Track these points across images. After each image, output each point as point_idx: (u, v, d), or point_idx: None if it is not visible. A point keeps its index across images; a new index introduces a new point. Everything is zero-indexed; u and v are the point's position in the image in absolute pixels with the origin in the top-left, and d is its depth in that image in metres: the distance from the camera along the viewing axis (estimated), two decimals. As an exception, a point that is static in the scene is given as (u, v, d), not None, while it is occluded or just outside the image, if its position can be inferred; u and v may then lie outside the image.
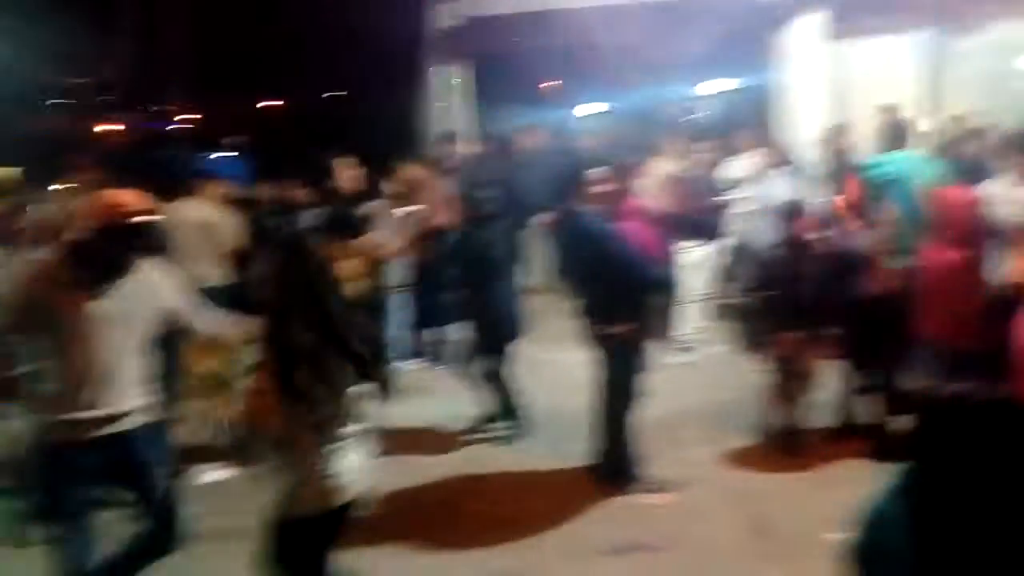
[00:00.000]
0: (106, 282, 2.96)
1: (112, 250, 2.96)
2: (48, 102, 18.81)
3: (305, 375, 2.54)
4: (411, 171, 6.83)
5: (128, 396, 3.04)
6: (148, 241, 3.08)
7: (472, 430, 5.33)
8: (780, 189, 6.58)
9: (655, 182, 7.00)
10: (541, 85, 14.86)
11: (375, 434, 2.83)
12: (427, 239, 6.07)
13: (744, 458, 4.84)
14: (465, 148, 8.81)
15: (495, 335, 5.22)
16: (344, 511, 2.70)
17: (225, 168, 10.61)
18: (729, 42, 9.48)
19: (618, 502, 4.36)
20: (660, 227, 5.15)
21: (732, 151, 7.75)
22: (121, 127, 20.79)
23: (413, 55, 10.00)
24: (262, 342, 2.65)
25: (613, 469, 4.52)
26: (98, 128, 20.18)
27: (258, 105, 20.24)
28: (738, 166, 7.49)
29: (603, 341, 4.44)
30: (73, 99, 17.52)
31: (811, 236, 4.89)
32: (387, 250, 5.74)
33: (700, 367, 6.49)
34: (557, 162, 8.38)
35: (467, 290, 5.35)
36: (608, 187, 4.49)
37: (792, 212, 5.01)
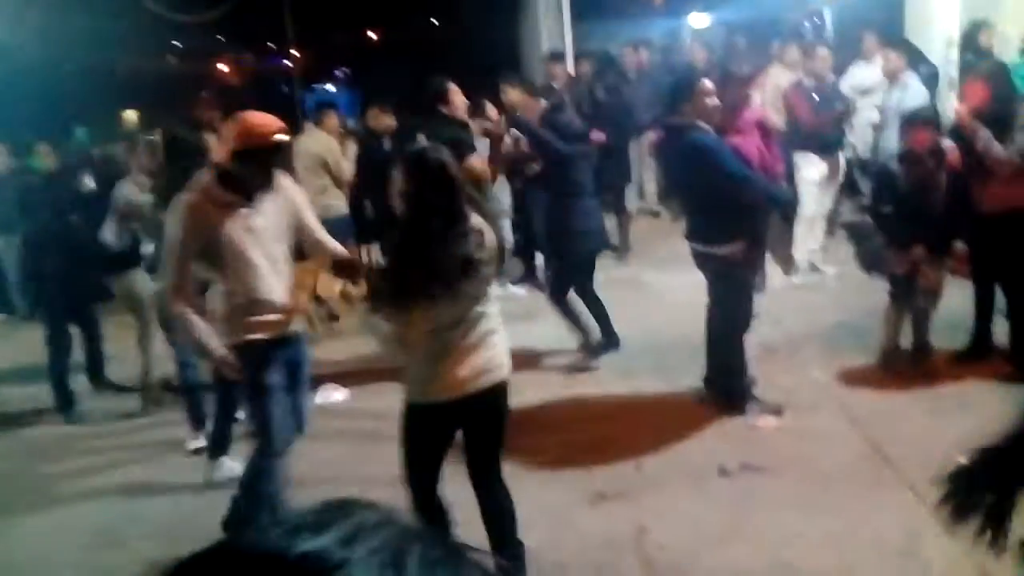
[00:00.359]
0: (256, 199, 3.19)
1: (257, 168, 3.16)
2: (167, 44, 19.64)
3: (429, 281, 2.65)
4: (511, 94, 6.72)
5: (286, 302, 3.31)
6: (285, 157, 3.28)
7: (577, 354, 5.32)
8: (911, 96, 6.08)
9: (772, 93, 6.63)
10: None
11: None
12: (523, 162, 6.01)
13: (864, 380, 4.63)
14: (569, 67, 8.56)
15: (576, 255, 5.18)
16: (462, 407, 2.80)
17: (334, 99, 10.81)
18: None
19: (730, 424, 4.27)
20: (777, 141, 4.87)
21: (857, 56, 7.18)
22: (236, 65, 21.50)
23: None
24: (391, 252, 2.81)
25: (725, 391, 4.42)
26: (215, 66, 20.97)
27: (363, 35, 20.41)
28: (864, 72, 6.95)
29: (714, 262, 4.29)
30: (188, 40, 18.20)
31: (937, 146, 4.49)
32: (489, 173, 5.70)
33: (820, 287, 6.23)
34: (664, 77, 8.05)
35: (548, 211, 5.33)
36: (719, 100, 4.24)
37: (921, 121, 4.61)
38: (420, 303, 2.68)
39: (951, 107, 5.74)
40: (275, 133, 3.16)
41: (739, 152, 4.20)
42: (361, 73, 16.82)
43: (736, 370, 4.38)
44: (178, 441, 4.56)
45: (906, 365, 4.64)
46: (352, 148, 6.87)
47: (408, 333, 2.74)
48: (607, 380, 5.00)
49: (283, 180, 3.36)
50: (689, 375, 4.64)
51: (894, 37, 7.16)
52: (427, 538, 0.51)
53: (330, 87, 15.10)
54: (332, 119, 6.69)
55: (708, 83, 4.19)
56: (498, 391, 2.85)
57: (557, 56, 8.28)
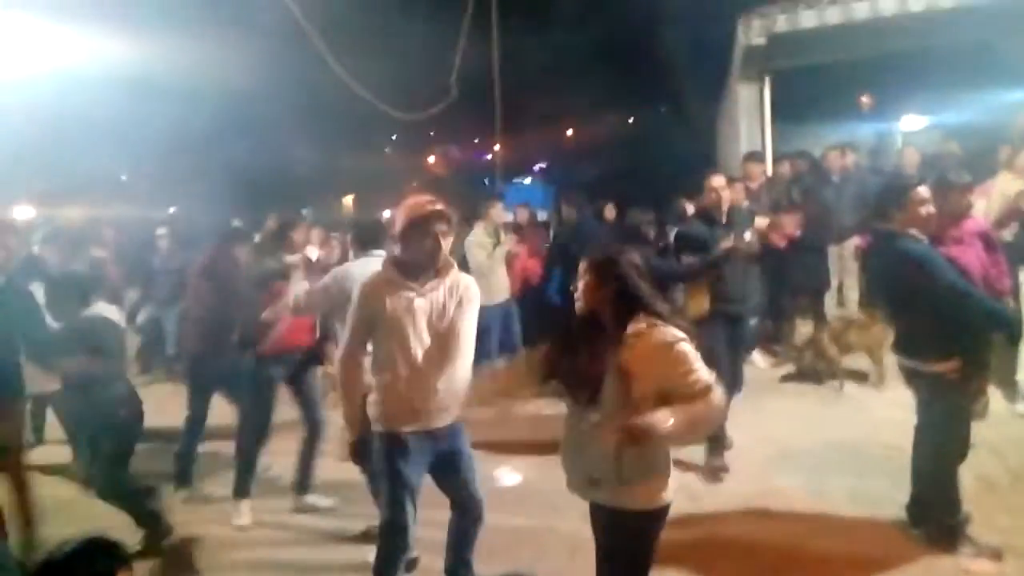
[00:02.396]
0: (423, 280, 3.30)
1: (418, 239, 3.27)
2: (386, 138, 21.57)
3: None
4: (716, 181, 6.67)
5: (449, 396, 3.29)
6: (444, 230, 3.32)
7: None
8: None
9: (997, 202, 6.13)
10: (859, 98, 13.71)
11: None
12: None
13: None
14: (769, 168, 8.42)
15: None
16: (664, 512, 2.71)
17: (526, 193, 11.31)
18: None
19: (937, 564, 3.80)
20: (1004, 255, 4.46)
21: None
22: (443, 158, 23.16)
23: (715, 74, 9.81)
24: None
25: (935, 526, 3.97)
26: (425, 159, 22.71)
27: (561, 133, 21.31)
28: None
29: (925, 380, 3.93)
30: (405, 134, 19.91)
31: None
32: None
33: (1049, 419, 5.52)
34: (872, 180, 7.70)
35: None
36: (934, 207, 3.98)
37: None
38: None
39: None
40: (428, 205, 3.29)
41: (956, 264, 3.88)
42: (557, 167, 17.49)
43: (948, 503, 3.93)
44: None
45: None
46: (508, 239, 7.27)
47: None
48: (795, 497, 4.66)
49: (457, 273, 3.41)
50: (892, 502, 4.22)
51: None
52: None
53: (527, 180, 15.83)
54: (493, 210, 7.18)
55: (924, 190, 3.94)
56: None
57: (755, 155, 8.18)
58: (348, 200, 16.30)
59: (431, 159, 22.77)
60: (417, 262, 3.30)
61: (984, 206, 5.69)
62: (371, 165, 19.31)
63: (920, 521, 4.04)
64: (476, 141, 20.49)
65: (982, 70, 9.29)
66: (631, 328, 2.62)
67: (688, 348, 2.57)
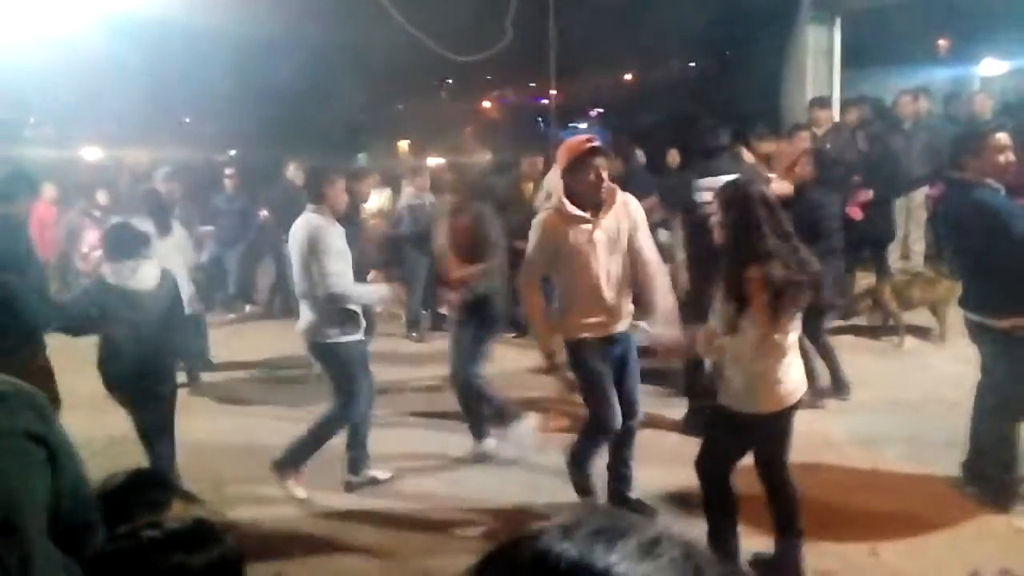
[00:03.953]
0: (597, 214, 3.66)
1: (583, 176, 3.61)
2: (441, 82, 21.44)
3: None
4: (764, 147, 6.51)
5: (620, 305, 3.77)
6: (602, 163, 3.64)
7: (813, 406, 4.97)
8: None
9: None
10: (936, 41, 13.02)
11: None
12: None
13: None
14: (837, 114, 8.12)
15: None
16: (773, 419, 3.15)
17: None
18: None
19: (990, 522, 3.75)
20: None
21: None
22: (499, 102, 22.94)
23: (783, 16, 9.41)
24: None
25: (990, 484, 3.89)
26: (480, 103, 22.54)
27: (619, 77, 20.85)
28: None
29: (991, 335, 3.80)
30: (461, 78, 19.75)
31: None
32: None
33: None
34: (945, 128, 7.37)
35: None
36: (1013, 155, 3.79)
37: None
38: (787, 316, 3.01)
39: None
40: (585, 143, 3.64)
41: (1032, 215, 3.71)
42: (615, 113, 17.19)
43: (1004, 462, 3.84)
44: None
45: None
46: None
47: (757, 347, 3.02)
48: (847, 449, 4.61)
49: (625, 197, 3.78)
50: (946, 459, 4.15)
51: None
52: (709, 553, 0.53)
53: (583, 125, 15.62)
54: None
55: (1003, 137, 3.76)
56: (798, 404, 3.21)
57: (822, 101, 7.89)
58: (403, 145, 16.33)
59: (486, 103, 22.61)
60: (584, 195, 3.64)
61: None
62: (426, 110, 19.28)
63: (975, 479, 3.97)
64: (532, 85, 20.22)
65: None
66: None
67: (760, 290, 2.94)
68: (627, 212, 3.75)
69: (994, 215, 3.64)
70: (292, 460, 4.32)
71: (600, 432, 3.83)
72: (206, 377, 6.64)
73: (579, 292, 3.70)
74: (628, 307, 3.83)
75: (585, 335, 3.73)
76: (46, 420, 1.52)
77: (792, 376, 3.14)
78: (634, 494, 4.05)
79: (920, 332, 6.55)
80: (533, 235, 3.73)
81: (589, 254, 3.65)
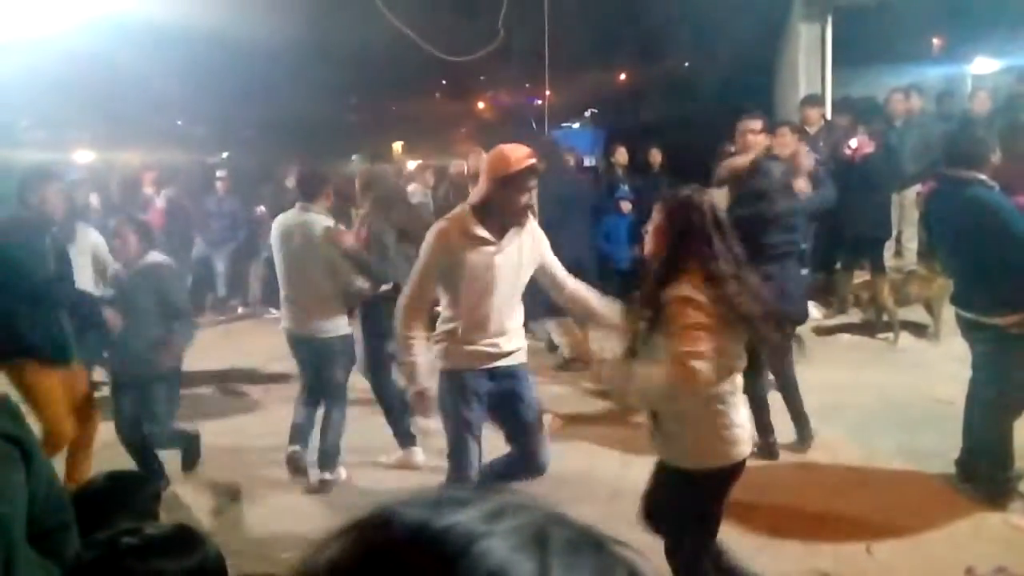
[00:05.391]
0: (504, 236, 3.25)
1: (511, 195, 3.20)
2: (436, 83, 21.40)
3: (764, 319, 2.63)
4: (749, 134, 6.49)
5: (514, 336, 3.37)
6: (530, 187, 3.28)
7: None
8: None
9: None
10: (929, 39, 13.02)
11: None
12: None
13: None
14: (828, 112, 8.11)
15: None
16: (736, 469, 2.70)
17: (576, 137, 11.17)
18: None
19: (985, 520, 3.74)
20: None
21: None
22: (493, 103, 22.92)
23: (775, 13, 9.40)
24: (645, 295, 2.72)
25: (985, 482, 3.88)
26: (475, 104, 22.51)
27: (613, 76, 20.83)
28: None
29: (984, 333, 3.80)
30: (454, 79, 19.72)
31: None
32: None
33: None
34: (937, 126, 7.37)
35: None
36: (1005, 153, 3.78)
37: None
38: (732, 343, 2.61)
39: None
40: (526, 159, 3.19)
41: (1024, 212, 3.71)
42: (609, 112, 17.16)
43: (999, 459, 3.84)
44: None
45: None
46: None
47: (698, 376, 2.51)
48: (842, 448, 4.60)
49: (530, 222, 3.38)
50: (941, 457, 4.14)
51: None
52: (570, 523, 0.50)
53: (575, 125, 15.60)
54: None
55: (990, 135, 3.76)
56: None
57: (813, 99, 7.88)
58: (397, 146, 16.31)
59: (480, 104, 22.58)
60: (503, 216, 3.24)
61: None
62: (420, 111, 19.25)
63: (970, 476, 3.96)
64: (527, 86, 20.20)
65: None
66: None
67: (689, 310, 2.51)
68: (532, 236, 3.37)
69: (992, 213, 3.64)
70: (329, 459, 4.45)
71: (458, 480, 3.33)
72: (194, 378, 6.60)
73: (467, 316, 3.27)
74: (517, 342, 3.40)
75: (461, 366, 3.30)
76: (18, 421, 1.50)
77: (745, 416, 2.79)
78: None
79: (914, 329, 6.55)
80: (425, 249, 3.27)
81: (488, 280, 3.23)
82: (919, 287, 6.33)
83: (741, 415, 2.72)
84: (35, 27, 7.83)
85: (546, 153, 6.23)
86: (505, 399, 3.38)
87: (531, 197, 3.34)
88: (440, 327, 3.37)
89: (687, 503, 2.73)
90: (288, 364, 6.51)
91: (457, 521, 0.48)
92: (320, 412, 4.57)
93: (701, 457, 2.66)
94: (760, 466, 4.34)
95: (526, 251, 3.33)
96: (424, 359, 3.31)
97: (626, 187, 8.00)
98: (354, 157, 10.27)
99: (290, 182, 8.14)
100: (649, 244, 2.78)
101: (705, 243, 2.63)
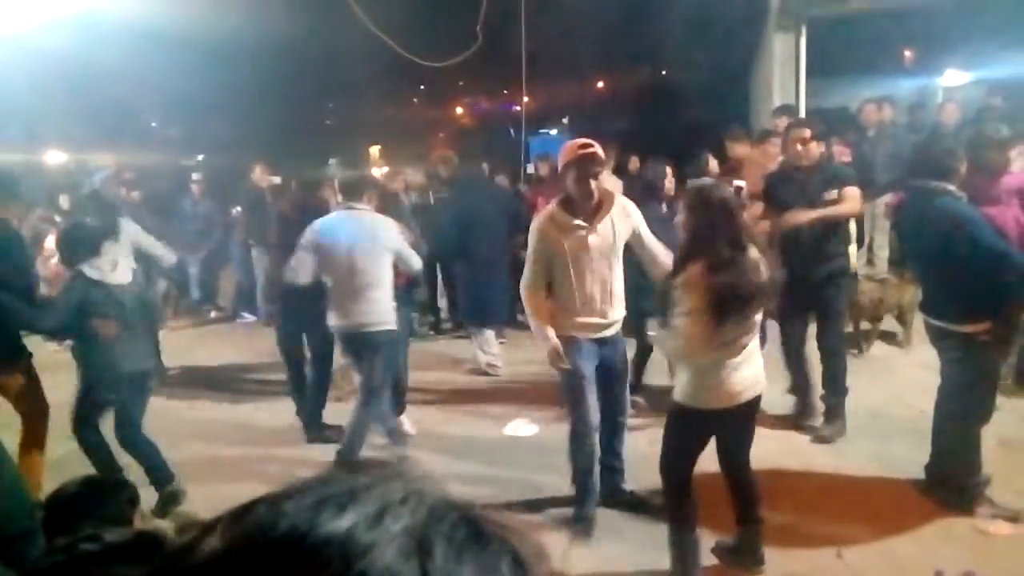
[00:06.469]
0: (592, 220, 3.72)
1: (576, 178, 3.67)
2: (414, 88, 21.36)
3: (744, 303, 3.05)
4: (738, 149, 6.58)
5: (612, 308, 3.85)
6: (596, 170, 3.70)
7: (790, 418, 5.02)
8: None
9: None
10: (901, 52, 13.24)
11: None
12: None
13: None
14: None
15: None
16: (725, 415, 3.21)
17: (551, 145, 11.21)
18: None
19: (954, 525, 3.78)
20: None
21: None
22: (470, 109, 22.94)
23: (751, 24, 9.51)
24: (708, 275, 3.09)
25: (954, 487, 3.93)
26: (452, 110, 22.51)
27: (591, 84, 20.95)
28: None
29: (954, 340, 3.85)
30: (431, 84, 19.73)
31: None
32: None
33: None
34: (908, 136, 7.49)
35: None
36: (972, 165, 3.85)
37: None
38: (726, 321, 3.01)
39: None
40: (580, 148, 3.69)
41: (994, 223, 3.77)
42: (586, 120, 17.26)
43: (967, 465, 3.89)
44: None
45: None
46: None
47: (693, 347, 3.09)
48: (813, 455, 4.64)
49: (622, 201, 3.86)
50: (911, 463, 4.18)
51: None
52: (453, 515, 0.49)
53: (552, 132, 15.67)
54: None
55: (957, 146, 3.84)
56: (756, 402, 3.29)
57: (786, 109, 7.97)
58: (374, 151, 16.25)
59: (458, 110, 22.59)
60: (577, 200, 3.72)
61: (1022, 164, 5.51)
62: (398, 116, 19.21)
63: (939, 482, 4.01)
64: (505, 92, 20.26)
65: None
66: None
67: (690, 296, 2.99)
68: (625, 216, 3.82)
69: (959, 223, 3.69)
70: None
71: (579, 430, 3.87)
72: (168, 382, 6.52)
73: (572, 295, 3.78)
74: (619, 311, 3.91)
75: (574, 334, 3.82)
76: None
77: (741, 375, 3.18)
78: (628, 486, 4.14)
79: (885, 337, 6.63)
80: (531, 242, 3.83)
81: (583, 259, 3.73)
82: (889, 295, 6.40)
83: (733, 376, 3.16)
84: (5, 24, 7.70)
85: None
86: (606, 363, 3.91)
87: (591, 184, 3.68)
88: (555, 304, 3.86)
89: (675, 430, 3.31)
90: (268, 369, 6.47)
91: (339, 529, 0.46)
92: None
93: (693, 398, 3.20)
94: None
95: (621, 229, 3.78)
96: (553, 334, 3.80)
97: None
98: (331, 161, 10.23)
99: (264, 182, 8.11)
100: (681, 233, 3.17)
101: (712, 233, 3.01)
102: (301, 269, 4.55)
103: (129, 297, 4.15)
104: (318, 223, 4.59)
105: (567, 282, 3.78)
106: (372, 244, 4.54)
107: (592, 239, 3.73)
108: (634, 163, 8.84)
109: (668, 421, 3.35)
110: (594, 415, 3.87)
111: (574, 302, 3.79)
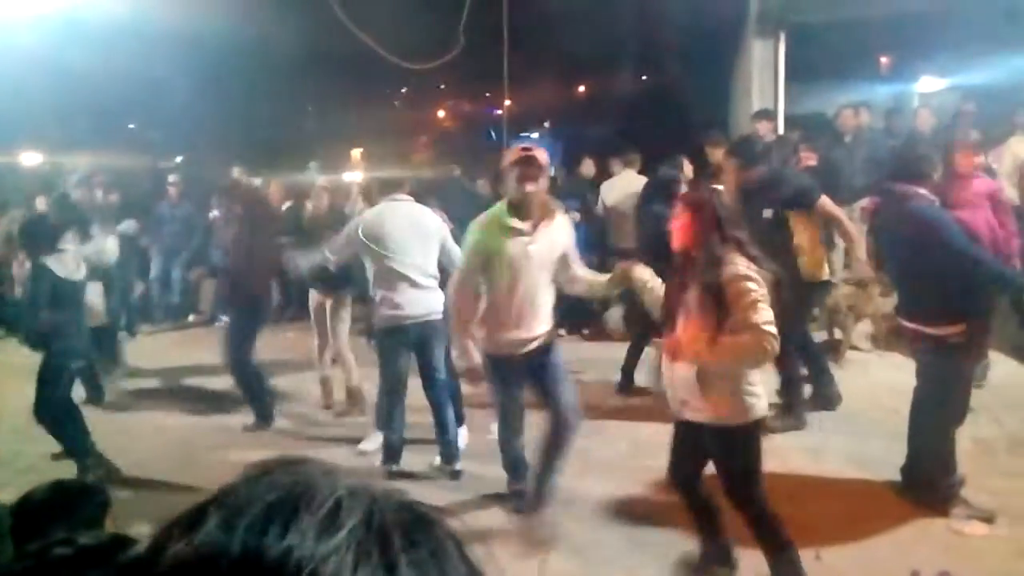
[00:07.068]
0: (535, 228, 3.65)
1: (515, 186, 3.61)
2: (395, 90, 21.31)
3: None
4: (716, 154, 6.62)
5: (542, 321, 3.76)
6: (534, 174, 3.63)
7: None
8: None
9: (1010, 165, 6.04)
10: (877, 58, 13.40)
11: None
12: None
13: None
14: (781, 128, 8.28)
15: None
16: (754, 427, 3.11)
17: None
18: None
19: (930, 525, 3.83)
20: (1010, 215, 4.39)
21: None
22: (452, 112, 22.92)
23: (731, 30, 9.58)
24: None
25: (929, 488, 3.98)
26: (434, 113, 22.48)
27: (572, 88, 20.98)
28: None
29: (928, 343, 3.90)
30: (414, 87, 19.68)
31: None
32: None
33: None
34: (884, 141, 7.57)
35: None
36: (944, 169, 3.90)
37: None
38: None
39: None
40: (520, 152, 3.67)
41: (965, 227, 3.83)
42: (567, 124, 17.29)
43: (942, 466, 3.94)
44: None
45: None
46: None
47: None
48: (792, 457, 4.67)
49: (559, 215, 3.79)
50: (887, 465, 4.23)
51: None
52: (399, 515, 0.48)
53: (534, 135, 15.70)
54: None
55: (931, 152, 3.89)
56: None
57: (765, 113, 8.04)
58: (356, 153, 16.18)
59: (440, 113, 22.56)
60: (519, 203, 3.65)
61: (997, 169, 5.60)
62: (380, 118, 19.13)
63: (914, 483, 4.06)
64: (487, 95, 20.26)
65: (1004, 32, 9.04)
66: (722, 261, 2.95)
67: (752, 286, 2.87)
68: (562, 231, 3.79)
69: (933, 227, 3.74)
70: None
71: (503, 439, 3.93)
72: (145, 384, 6.45)
73: (506, 304, 3.68)
74: (544, 326, 3.80)
75: (500, 351, 3.73)
76: None
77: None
78: (607, 488, 4.15)
79: (860, 340, 6.69)
80: (470, 239, 3.72)
81: (521, 266, 3.65)
82: (865, 298, 6.46)
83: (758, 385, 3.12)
84: (-22, 24, 7.60)
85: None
86: (539, 374, 3.77)
87: (530, 189, 3.62)
88: (483, 314, 3.74)
89: (754, 446, 3.14)
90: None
91: (292, 546, 0.44)
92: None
93: (764, 410, 3.11)
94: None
95: (557, 240, 3.73)
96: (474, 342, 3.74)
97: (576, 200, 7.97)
98: (311, 164, 10.19)
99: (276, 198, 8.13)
100: (678, 238, 3.07)
101: (733, 229, 3.03)
102: (337, 252, 4.62)
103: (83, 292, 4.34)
104: (368, 213, 4.65)
105: (500, 288, 3.68)
106: (422, 232, 4.53)
107: (533, 248, 3.66)
108: (616, 168, 8.84)
109: (746, 439, 3.14)
110: (519, 424, 3.89)
111: (508, 313, 3.68)
